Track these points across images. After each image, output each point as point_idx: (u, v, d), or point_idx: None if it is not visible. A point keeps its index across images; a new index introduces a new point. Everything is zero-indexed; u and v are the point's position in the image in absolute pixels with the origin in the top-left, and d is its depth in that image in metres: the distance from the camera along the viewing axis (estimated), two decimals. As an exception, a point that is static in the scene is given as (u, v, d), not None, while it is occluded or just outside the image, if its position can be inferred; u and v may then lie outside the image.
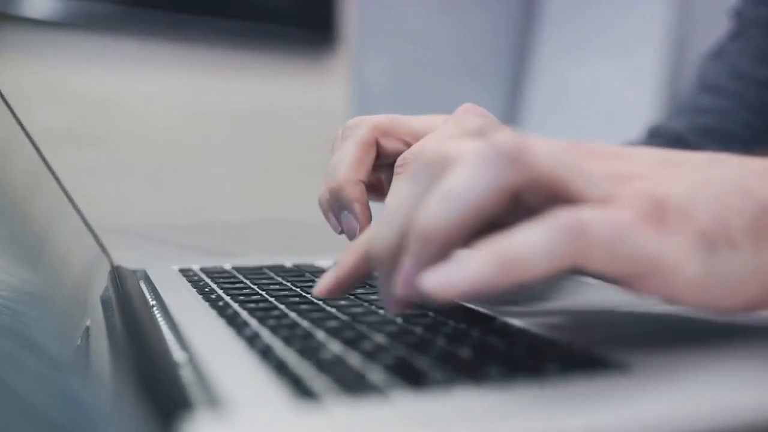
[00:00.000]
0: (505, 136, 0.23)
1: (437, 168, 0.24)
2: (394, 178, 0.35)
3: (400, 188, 0.25)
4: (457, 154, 0.24)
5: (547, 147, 0.23)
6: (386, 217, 0.25)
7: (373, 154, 0.38)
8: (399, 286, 0.24)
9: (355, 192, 0.37)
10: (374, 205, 0.42)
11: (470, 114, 0.37)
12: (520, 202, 0.23)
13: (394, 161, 0.39)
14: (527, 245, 0.20)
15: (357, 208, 0.37)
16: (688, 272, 0.22)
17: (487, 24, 2.03)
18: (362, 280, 0.29)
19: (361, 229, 0.37)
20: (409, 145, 0.39)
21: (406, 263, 0.23)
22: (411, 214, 0.24)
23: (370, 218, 0.37)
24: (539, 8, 2.02)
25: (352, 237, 0.37)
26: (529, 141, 0.23)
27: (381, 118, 0.39)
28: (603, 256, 0.21)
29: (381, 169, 0.41)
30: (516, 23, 2.06)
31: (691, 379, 0.21)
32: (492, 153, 0.22)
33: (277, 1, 1.74)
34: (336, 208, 0.38)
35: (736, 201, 0.23)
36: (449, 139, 0.26)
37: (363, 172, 0.37)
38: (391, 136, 0.39)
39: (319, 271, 0.43)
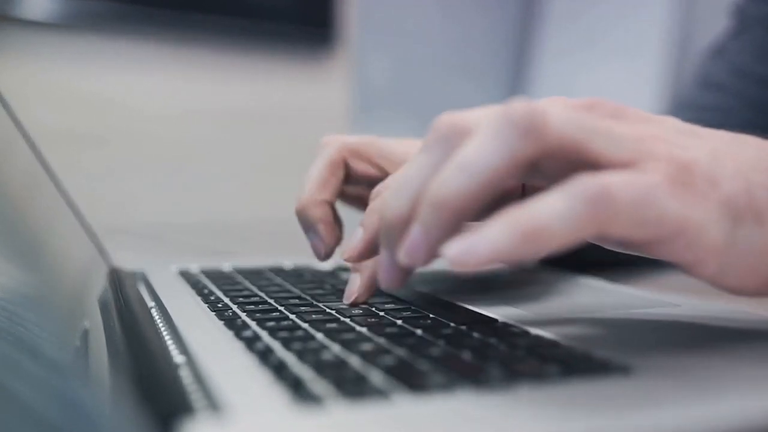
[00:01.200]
0: (520, 103, 0.22)
1: (452, 138, 0.24)
2: (368, 209, 0.35)
3: (414, 161, 0.25)
4: (471, 123, 0.24)
5: (563, 111, 0.22)
6: (399, 186, 0.25)
7: (340, 174, 0.38)
8: (403, 253, 0.24)
9: (318, 212, 0.37)
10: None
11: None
12: (540, 170, 0.23)
13: (366, 183, 0.39)
14: (549, 214, 0.20)
15: (321, 228, 0.37)
16: (711, 238, 0.22)
17: (488, 25, 2.03)
18: None
19: (325, 250, 0.37)
20: (380, 168, 0.39)
21: (414, 230, 0.23)
22: (424, 184, 0.24)
23: (336, 237, 0.37)
24: (540, 9, 2.02)
25: (319, 256, 0.37)
26: (544, 107, 0.22)
27: (352, 139, 0.40)
28: (628, 221, 0.20)
29: (358, 187, 0.41)
30: (516, 24, 2.06)
31: (692, 383, 0.21)
32: (505, 122, 0.22)
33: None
34: (303, 228, 0.38)
35: (760, 177, 0.23)
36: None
37: (328, 193, 0.38)
38: (361, 159, 0.39)
39: (318, 274, 0.43)
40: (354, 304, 0.32)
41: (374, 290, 0.32)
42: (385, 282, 0.27)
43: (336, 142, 0.39)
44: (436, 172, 0.23)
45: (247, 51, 1.70)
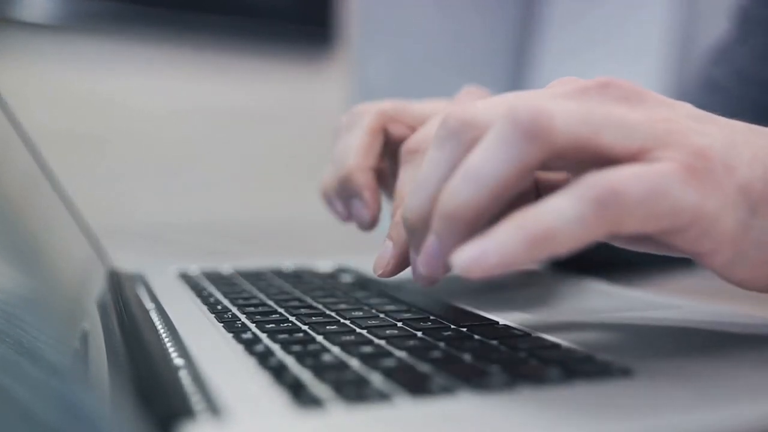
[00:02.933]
0: (524, 105, 0.22)
1: (461, 134, 0.24)
2: (401, 165, 0.35)
3: (427, 160, 0.25)
4: (479, 118, 0.23)
5: (569, 108, 0.22)
6: (416, 187, 0.25)
7: (381, 140, 0.38)
8: (421, 264, 0.24)
9: (365, 178, 0.36)
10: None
11: (472, 96, 0.38)
12: (551, 168, 0.23)
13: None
14: (557, 218, 0.20)
15: (367, 194, 0.36)
16: (727, 227, 0.21)
17: (488, 25, 2.03)
18: None
19: (372, 216, 0.37)
20: (415, 130, 0.39)
21: (429, 242, 0.24)
22: (438, 183, 0.24)
23: (380, 205, 0.37)
24: (541, 10, 2.02)
25: (362, 224, 0.37)
26: (549, 107, 0.22)
27: (386, 105, 0.39)
28: (640, 216, 0.20)
29: (385, 158, 0.40)
30: (517, 25, 2.06)
31: (694, 385, 0.21)
32: (511, 128, 0.21)
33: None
34: (345, 195, 0.37)
35: None
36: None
37: (372, 159, 0.37)
38: (398, 122, 0.39)
39: (318, 275, 0.43)
40: (383, 276, 0.31)
41: (405, 265, 0.31)
42: (416, 280, 0.27)
43: (372, 109, 0.39)
44: (449, 171, 0.23)
45: (247, 51, 1.70)
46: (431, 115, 0.39)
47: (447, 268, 0.24)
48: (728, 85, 0.57)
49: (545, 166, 0.22)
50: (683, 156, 0.21)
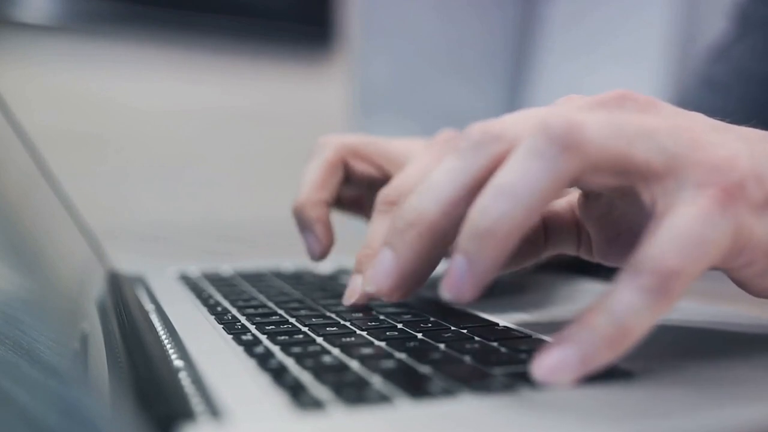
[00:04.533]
0: (556, 117, 0.21)
1: (485, 144, 0.23)
2: (375, 214, 0.34)
3: (444, 167, 0.24)
4: (505, 131, 0.23)
5: (600, 121, 0.21)
6: (425, 188, 0.24)
7: (339, 174, 0.38)
8: (449, 288, 0.22)
9: (315, 212, 0.37)
10: (359, 223, 0.42)
11: (449, 140, 0.36)
12: (582, 184, 0.22)
13: (366, 183, 0.39)
14: (630, 316, 0.20)
15: (318, 228, 0.36)
16: (761, 237, 0.21)
17: (488, 27, 2.03)
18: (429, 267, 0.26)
19: (322, 250, 0.37)
20: (381, 168, 0.39)
21: (457, 263, 0.21)
22: (455, 191, 0.23)
23: (331, 238, 0.37)
24: (541, 12, 2.02)
25: (314, 257, 0.37)
26: (581, 119, 0.21)
27: (351, 139, 0.39)
28: (700, 272, 0.20)
29: (356, 187, 0.40)
30: (516, 26, 2.06)
31: (696, 387, 0.20)
32: (544, 142, 0.21)
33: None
34: (299, 227, 0.37)
35: None
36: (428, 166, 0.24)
37: (326, 193, 0.37)
38: (361, 158, 0.39)
39: (318, 277, 0.43)
40: (354, 306, 0.31)
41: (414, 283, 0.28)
42: (375, 286, 0.25)
43: (334, 141, 0.39)
44: (470, 181, 0.23)
45: (247, 51, 1.70)
46: (401, 155, 0.38)
47: (475, 292, 0.22)
48: (728, 84, 0.57)
49: (576, 182, 0.22)
50: (715, 176, 0.21)
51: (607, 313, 0.20)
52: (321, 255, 0.37)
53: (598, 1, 1.86)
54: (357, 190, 0.41)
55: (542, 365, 0.20)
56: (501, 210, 0.21)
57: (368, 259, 0.32)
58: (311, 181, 0.37)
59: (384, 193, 0.34)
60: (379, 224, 0.33)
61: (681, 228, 0.20)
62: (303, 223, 0.37)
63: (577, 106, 0.24)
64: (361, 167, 0.39)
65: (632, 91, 0.24)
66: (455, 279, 0.21)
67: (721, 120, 0.24)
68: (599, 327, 0.20)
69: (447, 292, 0.22)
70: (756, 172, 0.22)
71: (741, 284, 0.24)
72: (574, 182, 0.22)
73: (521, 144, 0.21)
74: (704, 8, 1.65)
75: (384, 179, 0.38)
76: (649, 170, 0.21)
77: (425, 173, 0.33)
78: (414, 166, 0.34)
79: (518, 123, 0.23)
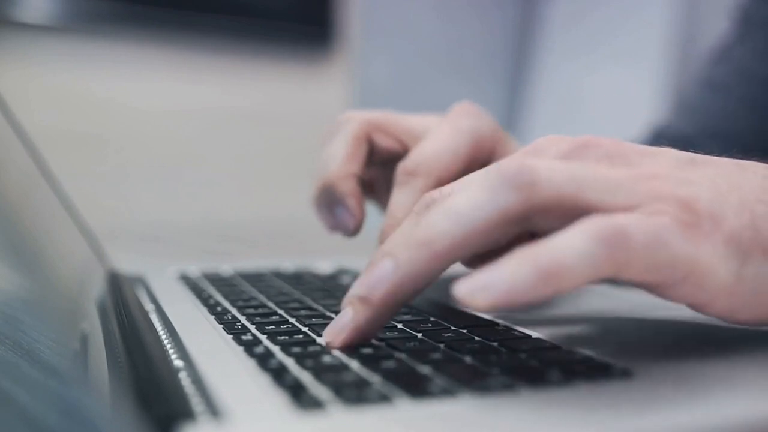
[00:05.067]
0: (511, 161, 0.22)
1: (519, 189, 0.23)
2: (395, 185, 0.34)
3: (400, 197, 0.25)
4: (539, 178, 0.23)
5: (553, 167, 0.22)
6: (450, 212, 0.23)
7: (365, 149, 0.37)
8: (361, 285, 0.24)
9: (348, 186, 0.36)
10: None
11: (465, 114, 0.37)
12: (534, 225, 0.23)
13: (387, 159, 0.39)
14: (568, 253, 0.19)
15: (351, 202, 0.36)
16: (720, 278, 0.21)
17: (488, 27, 2.03)
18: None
19: (356, 223, 0.36)
20: (402, 143, 0.39)
21: (383, 263, 0.23)
22: (484, 225, 0.22)
23: (364, 212, 0.36)
24: (541, 12, 2.02)
25: (346, 232, 0.36)
26: (535, 163, 0.22)
27: (374, 114, 0.39)
28: (643, 264, 0.20)
29: (373, 167, 0.40)
30: (516, 26, 2.06)
31: (694, 386, 0.20)
32: (496, 178, 0.22)
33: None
34: (329, 203, 0.36)
35: (765, 209, 0.23)
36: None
37: (356, 166, 0.36)
38: (384, 133, 0.39)
39: (318, 277, 0.43)
40: (331, 347, 0.25)
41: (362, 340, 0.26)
42: (372, 295, 0.24)
43: (358, 116, 0.38)
44: (495, 215, 0.22)
45: (247, 51, 1.70)
46: (421, 129, 0.38)
47: (387, 296, 0.23)
48: (729, 85, 0.57)
49: (529, 222, 0.22)
50: (672, 209, 0.21)
51: (547, 246, 0.20)
52: (355, 229, 0.36)
53: (598, 1, 1.86)
54: (372, 172, 0.40)
55: (465, 284, 0.20)
56: (442, 227, 0.22)
57: (391, 229, 0.32)
58: (341, 155, 0.36)
59: (403, 165, 0.34)
60: (400, 195, 0.34)
61: (641, 217, 0.21)
62: (334, 198, 0.36)
63: (537, 154, 0.25)
64: (384, 142, 0.38)
65: (598, 137, 0.24)
66: (375, 279, 0.23)
67: (718, 123, 0.24)
68: (535, 256, 0.19)
69: (359, 289, 0.24)
70: (714, 213, 0.22)
71: (720, 319, 0.24)
72: (522, 221, 0.22)
73: (477, 177, 0.23)
74: (704, 8, 1.65)
75: (404, 154, 0.37)
76: (604, 209, 0.21)
77: (442, 146, 0.35)
78: (431, 139, 0.35)
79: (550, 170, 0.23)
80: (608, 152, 0.24)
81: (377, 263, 0.24)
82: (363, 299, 0.24)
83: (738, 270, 0.22)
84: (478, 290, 0.19)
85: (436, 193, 0.25)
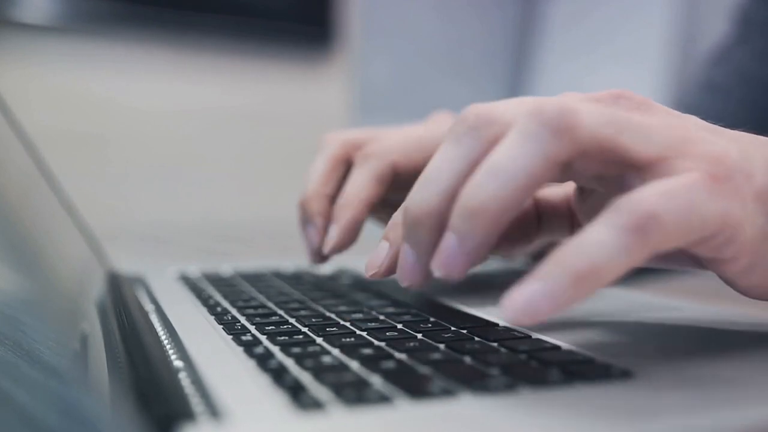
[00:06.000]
0: (550, 102, 0.21)
1: (480, 128, 0.23)
2: (354, 168, 0.37)
3: (440, 154, 0.24)
4: (500, 115, 0.23)
5: (594, 108, 0.22)
6: (424, 179, 0.24)
7: (341, 170, 0.39)
8: (437, 264, 0.23)
9: (319, 205, 0.37)
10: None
11: (441, 120, 0.39)
12: (574, 170, 0.22)
13: None
14: (601, 252, 0.19)
15: (319, 221, 0.37)
16: (748, 233, 0.21)
17: (488, 27, 2.03)
18: None
19: (320, 241, 0.37)
20: None
21: (448, 240, 0.22)
22: (455, 177, 0.23)
23: (345, 233, 0.37)
24: (541, 12, 2.02)
25: (312, 249, 0.37)
26: (574, 105, 0.21)
27: (353, 134, 0.40)
28: (677, 235, 0.20)
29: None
30: (516, 26, 2.06)
31: (694, 387, 0.20)
32: (537, 123, 0.21)
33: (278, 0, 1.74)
34: (302, 223, 0.38)
35: None
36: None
37: (330, 187, 0.38)
38: None
39: (318, 277, 0.43)
40: (375, 277, 0.28)
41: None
42: (406, 281, 0.26)
43: (339, 138, 0.40)
44: (466, 167, 0.23)
45: (247, 51, 1.70)
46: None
47: (465, 269, 0.22)
48: (729, 86, 0.57)
49: (567, 167, 0.22)
50: (704, 164, 0.21)
51: (579, 248, 0.19)
52: (319, 246, 0.37)
53: (598, 1, 1.86)
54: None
55: (511, 306, 0.19)
56: (492, 189, 0.21)
57: (342, 209, 0.36)
58: (317, 175, 0.38)
59: (362, 150, 0.37)
60: (356, 175, 0.36)
61: (667, 184, 0.20)
62: (306, 216, 0.37)
63: (573, 98, 0.24)
64: None
65: (629, 91, 0.24)
66: (446, 256, 0.22)
67: (717, 124, 0.25)
68: (568, 262, 0.19)
69: (437, 270, 0.23)
70: (744, 169, 0.22)
71: (728, 281, 0.24)
72: (565, 167, 0.22)
73: (514, 126, 0.22)
74: (704, 9, 1.65)
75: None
76: (639, 160, 0.22)
77: (406, 135, 0.38)
78: (400, 132, 0.37)
79: (511, 107, 0.23)
80: (638, 105, 0.24)
81: (442, 240, 0.23)
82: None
83: (764, 227, 0.22)
84: (520, 313, 0.19)
85: (471, 117, 0.24)
